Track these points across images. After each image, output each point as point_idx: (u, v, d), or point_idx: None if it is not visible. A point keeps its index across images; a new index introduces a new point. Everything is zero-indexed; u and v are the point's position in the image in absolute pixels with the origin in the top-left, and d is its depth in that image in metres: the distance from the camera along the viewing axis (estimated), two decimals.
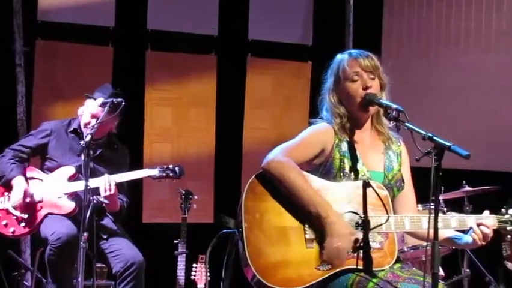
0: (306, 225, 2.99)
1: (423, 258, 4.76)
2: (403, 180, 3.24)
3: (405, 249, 4.92)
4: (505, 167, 6.48)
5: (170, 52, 6.40)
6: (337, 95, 3.20)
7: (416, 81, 6.84)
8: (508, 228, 3.17)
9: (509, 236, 3.07)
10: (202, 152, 6.52)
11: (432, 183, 2.72)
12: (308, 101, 6.66)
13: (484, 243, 3.10)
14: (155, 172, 4.75)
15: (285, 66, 6.82)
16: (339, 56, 3.26)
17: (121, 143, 4.98)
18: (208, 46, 6.49)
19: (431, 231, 2.72)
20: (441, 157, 2.73)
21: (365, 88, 3.12)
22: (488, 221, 3.11)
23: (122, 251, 4.63)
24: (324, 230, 2.95)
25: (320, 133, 3.18)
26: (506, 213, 3.18)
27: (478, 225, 3.09)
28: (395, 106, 2.97)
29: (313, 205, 2.96)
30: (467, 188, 5.33)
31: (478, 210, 3.27)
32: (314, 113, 3.37)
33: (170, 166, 4.82)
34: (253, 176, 3.07)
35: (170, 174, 4.76)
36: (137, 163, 5.20)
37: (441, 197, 5.24)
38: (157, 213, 6.25)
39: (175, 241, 4.93)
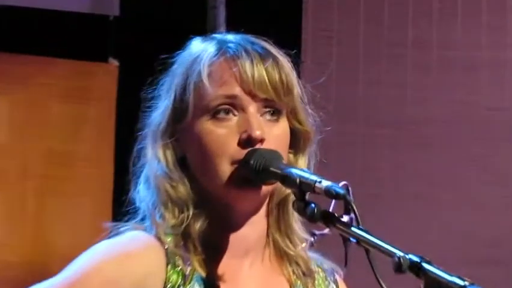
0: None
1: None
2: None
3: None
4: None
5: None
6: (178, 149, 1.97)
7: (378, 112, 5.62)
8: None
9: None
10: None
11: None
12: (113, 137, 5.23)
13: None
14: None
15: (50, 71, 5.08)
16: (194, 47, 1.99)
17: None
18: None
19: None
20: None
21: (247, 140, 1.86)
22: None
23: None
24: None
25: (129, 258, 1.90)
26: None
27: None
28: (324, 184, 1.72)
29: None
30: None
31: None
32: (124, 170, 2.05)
33: None
34: None
35: None
36: None
37: None
38: None
39: None
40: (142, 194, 1.96)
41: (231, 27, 2.10)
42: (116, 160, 5.06)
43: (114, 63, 5.33)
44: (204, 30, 2.19)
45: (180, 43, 2.01)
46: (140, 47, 4.98)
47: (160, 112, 1.95)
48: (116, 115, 5.22)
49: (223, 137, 1.87)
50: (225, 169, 1.86)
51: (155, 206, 1.93)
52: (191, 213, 1.91)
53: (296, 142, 1.97)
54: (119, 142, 5.11)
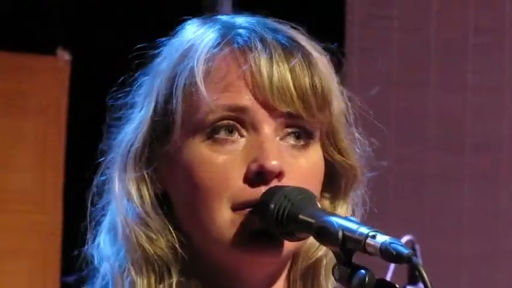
0: None
1: None
2: None
3: None
4: None
5: None
6: (158, 183, 1.96)
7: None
8: None
9: None
10: None
11: None
12: (62, 164, 5.48)
13: None
14: None
15: None
16: (189, 33, 1.98)
17: None
18: None
19: None
20: None
21: (257, 173, 1.88)
22: None
23: None
24: None
25: None
26: None
27: None
28: (380, 240, 1.69)
29: None
30: None
31: None
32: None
33: None
34: None
35: None
36: None
37: None
38: None
39: None
40: (105, 248, 1.95)
41: (241, 7, 2.08)
42: (67, 201, 5.13)
43: (65, 56, 5.42)
44: (198, 12, 2.13)
45: (164, 29, 1.99)
46: (103, 34, 5.03)
47: (133, 128, 1.93)
48: (67, 132, 5.34)
49: (223, 167, 1.88)
50: (225, 217, 1.87)
51: (124, 268, 1.93)
52: (175, 280, 1.93)
53: (334, 182, 1.97)
54: (71, 173, 5.19)
